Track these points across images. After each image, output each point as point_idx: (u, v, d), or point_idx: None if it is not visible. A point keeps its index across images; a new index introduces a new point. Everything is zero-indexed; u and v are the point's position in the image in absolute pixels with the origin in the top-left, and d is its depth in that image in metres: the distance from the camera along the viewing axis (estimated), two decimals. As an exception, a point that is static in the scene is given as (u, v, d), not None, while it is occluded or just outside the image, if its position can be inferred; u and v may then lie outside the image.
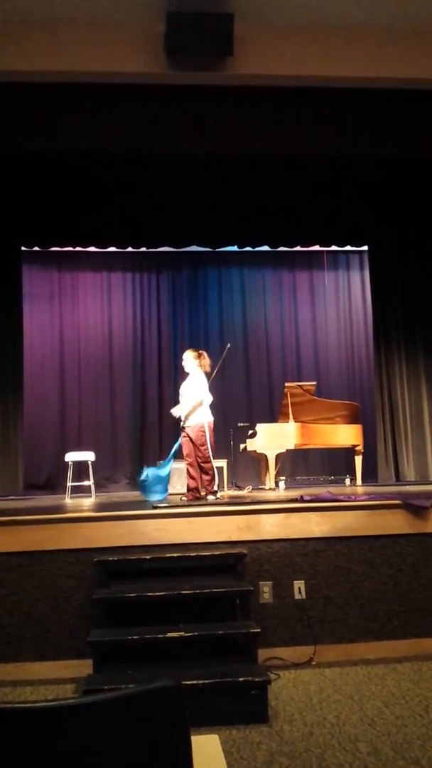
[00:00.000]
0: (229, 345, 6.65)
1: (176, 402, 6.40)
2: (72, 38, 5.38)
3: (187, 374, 6.24)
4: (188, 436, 5.99)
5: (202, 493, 5.93)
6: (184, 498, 6.06)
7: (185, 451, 6.05)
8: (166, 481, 6.12)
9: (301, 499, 4.95)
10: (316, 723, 3.43)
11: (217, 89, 5.73)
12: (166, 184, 7.54)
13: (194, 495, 5.95)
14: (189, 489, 6.06)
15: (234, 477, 8.31)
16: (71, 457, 7.62)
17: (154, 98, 5.75)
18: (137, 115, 5.79)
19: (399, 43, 5.65)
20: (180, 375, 6.58)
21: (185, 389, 6.12)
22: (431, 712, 3.51)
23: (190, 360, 6.21)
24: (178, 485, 7.47)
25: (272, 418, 8.79)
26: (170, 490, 7.41)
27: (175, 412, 6.20)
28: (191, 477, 6.03)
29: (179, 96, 5.74)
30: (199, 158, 6.58)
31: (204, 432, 5.94)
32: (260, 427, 7.46)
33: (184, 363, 6.26)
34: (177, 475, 7.55)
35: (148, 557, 4.38)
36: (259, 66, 5.54)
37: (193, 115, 5.83)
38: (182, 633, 3.87)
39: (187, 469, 6.07)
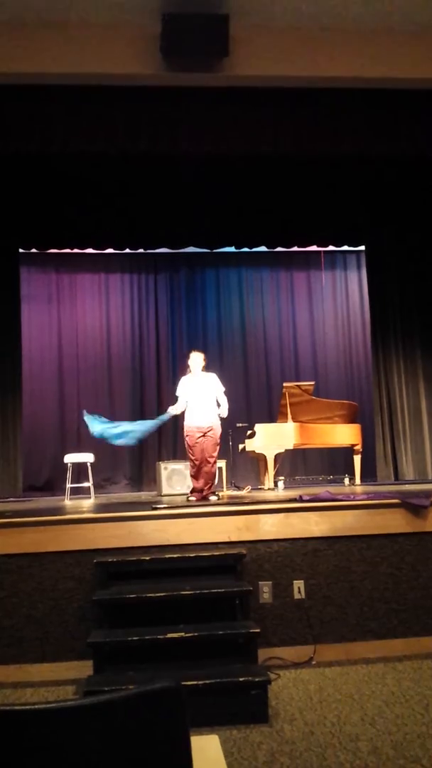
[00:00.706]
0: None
1: (173, 401, 6.39)
2: (67, 40, 5.39)
3: (187, 374, 6.26)
4: (210, 437, 6.00)
5: (204, 494, 5.95)
6: (192, 498, 6.03)
7: (196, 451, 6.02)
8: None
9: (300, 499, 4.96)
10: (316, 722, 3.44)
11: (213, 90, 5.73)
12: (163, 185, 7.54)
13: (200, 495, 5.96)
14: (195, 490, 6.06)
15: (233, 477, 8.31)
16: (70, 458, 7.62)
17: (150, 99, 5.76)
18: (134, 117, 5.80)
19: (395, 44, 5.66)
20: (179, 376, 6.57)
21: (207, 390, 6.12)
22: (431, 711, 3.51)
23: (201, 362, 6.24)
24: (177, 486, 7.48)
25: (271, 418, 8.80)
26: (170, 491, 7.43)
27: (223, 413, 6.14)
28: (197, 478, 6.03)
29: (176, 97, 5.75)
30: (196, 159, 6.60)
31: (221, 433, 6.13)
32: (259, 427, 7.46)
33: (194, 363, 6.24)
34: (177, 475, 7.56)
35: (147, 558, 4.39)
36: (255, 67, 5.55)
37: (190, 116, 5.84)
38: (182, 633, 3.88)
39: (198, 469, 6.04)
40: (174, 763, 1.34)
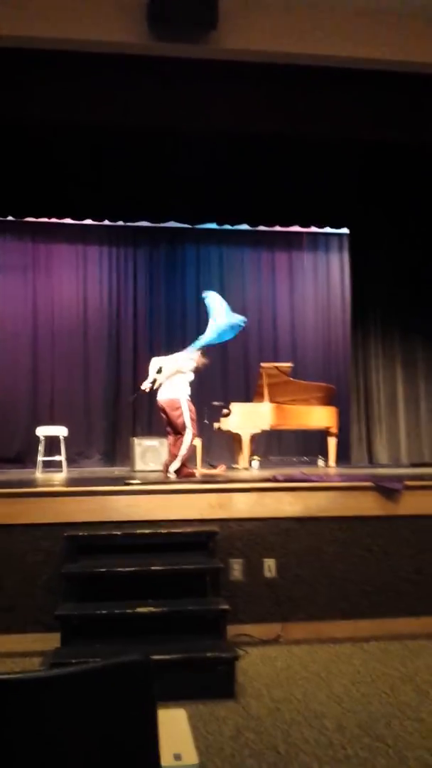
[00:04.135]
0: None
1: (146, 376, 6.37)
2: (50, 3, 5.20)
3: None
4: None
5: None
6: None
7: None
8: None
9: (275, 479, 4.95)
10: (282, 699, 3.45)
11: (199, 63, 5.60)
12: (145, 156, 7.39)
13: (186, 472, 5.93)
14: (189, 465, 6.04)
15: (208, 456, 8.29)
16: (43, 431, 7.53)
17: (133, 69, 5.61)
18: (116, 86, 5.66)
19: (387, 25, 5.56)
20: (155, 351, 6.53)
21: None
22: (396, 691, 3.55)
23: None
24: (151, 463, 7.43)
25: (248, 397, 8.77)
26: (143, 467, 7.38)
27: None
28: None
29: (160, 68, 5.61)
30: (179, 132, 6.47)
31: None
32: (235, 407, 7.44)
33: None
34: (151, 452, 7.51)
35: (119, 533, 4.35)
36: (243, 41, 5.42)
37: (174, 89, 5.71)
38: (151, 608, 3.86)
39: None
40: (141, 735, 1.32)
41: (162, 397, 6.06)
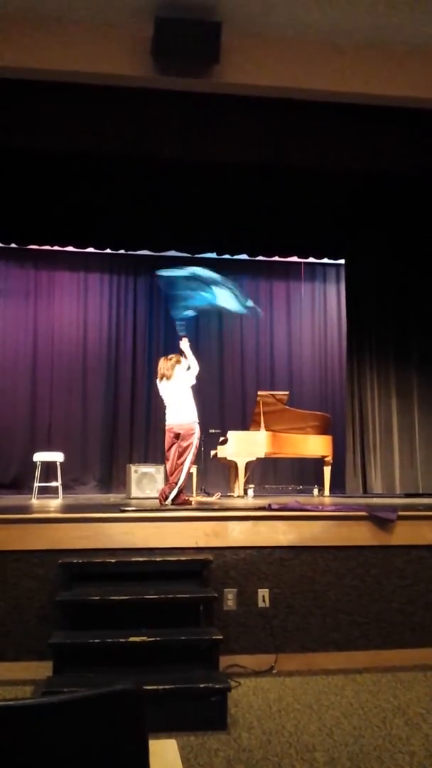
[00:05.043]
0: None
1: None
2: (58, 36, 5.36)
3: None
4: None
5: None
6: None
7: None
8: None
9: (269, 508, 4.97)
10: (274, 731, 3.44)
11: (202, 96, 5.75)
12: (146, 187, 7.53)
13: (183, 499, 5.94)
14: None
15: (203, 483, 8.30)
16: (39, 457, 7.55)
17: (138, 101, 5.76)
18: (121, 117, 5.79)
19: (386, 61, 5.72)
20: (154, 379, 6.55)
21: None
22: (388, 724, 3.54)
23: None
24: (147, 489, 7.43)
25: (244, 425, 8.81)
26: (139, 494, 7.38)
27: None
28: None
29: (164, 100, 5.75)
30: (180, 163, 6.60)
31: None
32: (231, 435, 7.47)
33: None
34: (147, 478, 7.52)
35: (113, 561, 4.35)
36: (244, 75, 5.57)
37: (177, 121, 5.86)
38: (144, 638, 3.85)
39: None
40: (131, 765, 1.33)
41: (176, 421, 5.99)
